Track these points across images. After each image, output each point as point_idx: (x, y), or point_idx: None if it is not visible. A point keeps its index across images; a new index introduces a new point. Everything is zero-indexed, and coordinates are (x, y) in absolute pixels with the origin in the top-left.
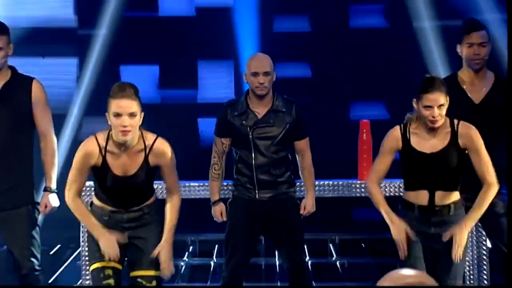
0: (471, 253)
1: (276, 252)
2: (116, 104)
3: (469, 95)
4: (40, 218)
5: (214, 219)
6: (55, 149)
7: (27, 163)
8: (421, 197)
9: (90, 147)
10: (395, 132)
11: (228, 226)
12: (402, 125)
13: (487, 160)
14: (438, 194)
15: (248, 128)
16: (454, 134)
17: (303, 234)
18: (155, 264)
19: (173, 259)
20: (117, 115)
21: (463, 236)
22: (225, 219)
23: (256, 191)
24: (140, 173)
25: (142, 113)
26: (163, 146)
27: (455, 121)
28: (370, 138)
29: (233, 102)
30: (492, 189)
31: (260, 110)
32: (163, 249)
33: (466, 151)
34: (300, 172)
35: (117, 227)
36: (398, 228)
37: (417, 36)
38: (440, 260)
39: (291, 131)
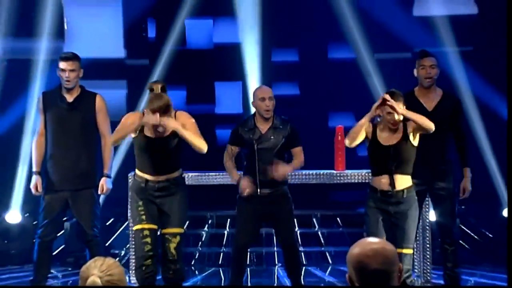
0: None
1: (274, 238)
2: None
3: (424, 105)
4: (101, 198)
5: (240, 191)
6: (111, 146)
7: (92, 156)
8: (383, 181)
9: (133, 113)
10: (367, 127)
11: (237, 215)
12: (372, 125)
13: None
14: (396, 177)
15: (254, 141)
16: (405, 129)
17: (294, 219)
18: (179, 224)
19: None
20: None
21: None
22: (251, 188)
23: (259, 189)
24: (171, 136)
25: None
26: (183, 114)
27: (405, 123)
28: (343, 139)
29: (244, 121)
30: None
31: (263, 127)
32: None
33: (413, 136)
34: None
35: (149, 195)
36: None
37: (376, 65)
38: (396, 230)
39: (287, 143)
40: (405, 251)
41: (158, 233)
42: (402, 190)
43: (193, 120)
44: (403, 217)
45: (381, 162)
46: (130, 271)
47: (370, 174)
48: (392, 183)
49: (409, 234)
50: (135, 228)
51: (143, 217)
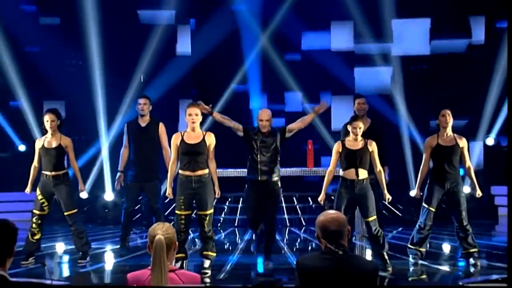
0: None
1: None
2: (189, 110)
3: None
4: (163, 188)
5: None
6: (170, 155)
7: (156, 161)
8: (350, 173)
9: (176, 135)
10: (337, 145)
11: (246, 198)
12: (341, 140)
13: (377, 158)
14: (359, 170)
15: (256, 141)
16: (366, 143)
17: (279, 203)
18: (209, 208)
19: (221, 204)
20: (190, 114)
21: (386, 195)
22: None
23: (259, 176)
24: (201, 143)
25: (201, 116)
26: (211, 134)
27: (365, 139)
28: (312, 148)
29: (253, 127)
30: (382, 172)
31: (262, 134)
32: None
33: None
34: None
35: (188, 187)
36: (322, 195)
37: (333, 103)
38: (362, 207)
39: (280, 140)
40: (370, 219)
41: (193, 215)
42: (363, 179)
43: (214, 143)
44: (365, 197)
45: (350, 160)
46: None
47: (338, 170)
48: (357, 174)
49: (370, 207)
50: (176, 212)
51: (182, 206)
